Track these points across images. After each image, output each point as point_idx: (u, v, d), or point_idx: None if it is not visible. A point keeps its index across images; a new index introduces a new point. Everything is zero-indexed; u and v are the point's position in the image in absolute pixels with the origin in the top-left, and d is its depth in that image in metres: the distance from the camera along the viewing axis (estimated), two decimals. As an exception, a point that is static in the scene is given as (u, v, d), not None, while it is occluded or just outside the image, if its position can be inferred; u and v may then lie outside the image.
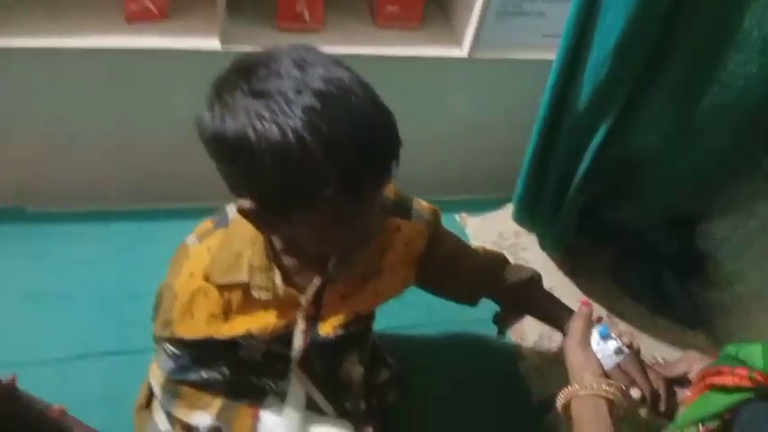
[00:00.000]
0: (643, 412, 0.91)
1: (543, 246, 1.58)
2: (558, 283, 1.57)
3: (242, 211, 0.77)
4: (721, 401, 0.59)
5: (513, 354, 1.49)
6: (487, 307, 1.22)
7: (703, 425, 0.64)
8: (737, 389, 0.57)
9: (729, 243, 1.44)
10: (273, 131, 0.66)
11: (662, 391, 0.91)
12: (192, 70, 1.28)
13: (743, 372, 0.56)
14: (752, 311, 1.39)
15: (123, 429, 1.21)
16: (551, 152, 1.28)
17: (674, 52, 1.02)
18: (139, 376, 1.24)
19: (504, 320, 1.22)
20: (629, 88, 1.09)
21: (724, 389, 0.60)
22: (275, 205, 0.74)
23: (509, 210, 1.75)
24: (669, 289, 1.51)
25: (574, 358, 0.91)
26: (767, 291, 1.38)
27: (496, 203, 1.82)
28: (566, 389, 0.88)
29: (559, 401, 0.88)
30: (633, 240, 1.53)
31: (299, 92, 0.67)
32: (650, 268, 1.54)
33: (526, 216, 1.52)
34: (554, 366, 1.45)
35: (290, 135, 0.66)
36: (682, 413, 0.74)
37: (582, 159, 1.21)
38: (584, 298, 1.54)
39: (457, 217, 1.78)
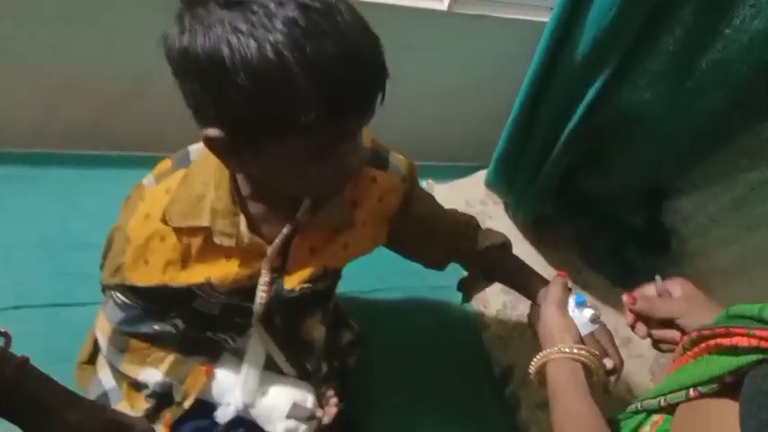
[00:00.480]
0: (610, 383, 0.90)
1: (515, 213, 1.55)
2: (523, 252, 1.51)
3: (208, 142, 0.68)
4: (727, 363, 0.56)
5: (476, 322, 1.47)
6: (451, 274, 1.18)
7: (695, 389, 0.60)
8: (750, 350, 0.54)
9: (696, 220, 1.44)
10: (251, 46, 0.58)
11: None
12: (152, 15, 1.18)
13: (763, 333, 0.53)
14: (714, 288, 1.38)
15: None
16: (539, 109, 1.24)
17: (682, 3, 0.98)
18: (81, 331, 1.16)
19: (470, 287, 1.17)
20: (631, 40, 1.05)
21: (733, 350, 0.56)
22: (247, 134, 0.66)
23: (477, 178, 1.72)
24: (632, 262, 1.50)
25: (552, 322, 0.88)
26: (730, 268, 1.38)
27: (465, 171, 1.78)
28: (543, 351, 0.84)
29: (534, 364, 0.85)
30: (602, 213, 1.51)
31: (280, 3, 0.59)
32: (615, 241, 1.53)
33: (503, 180, 1.48)
34: (516, 336, 1.43)
35: (269, 51, 0.58)
36: (668, 376, 0.71)
37: (570, 118, 1.18)
38: (556, 269, 1.53)
39: (424, 183, 1.74)
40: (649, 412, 0.72)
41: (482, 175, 1.69)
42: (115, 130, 1.56)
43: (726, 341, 0.58)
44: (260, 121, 0.63)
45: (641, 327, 0.86)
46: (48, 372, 1.14)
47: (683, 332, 0.81)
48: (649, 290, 0.90)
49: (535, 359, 0.86)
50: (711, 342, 0.61)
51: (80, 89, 1.45)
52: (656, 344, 0.86)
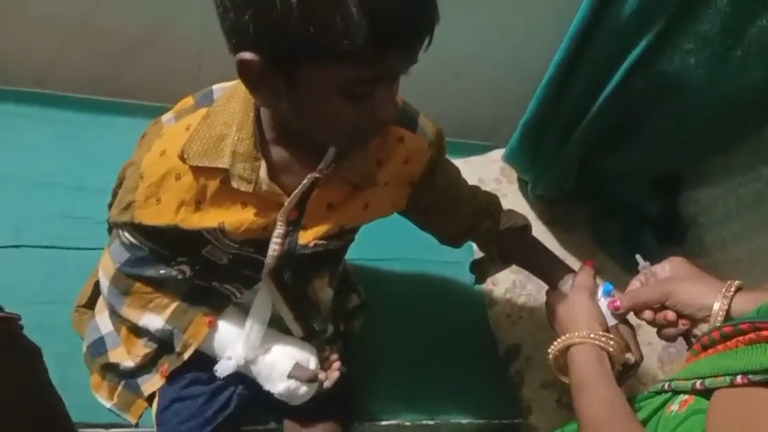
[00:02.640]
0: (626, 378, 0.88)
1: (533, 189, 1.51)
2: (536, 233, 1.48)
3: (241, 67, 0.64)
4: None
5: (483, 299, 1.44)
6: (464, 250, 1.15)
7: (744, 376, 0.58)
8: None
9: (715, 210, 1.41)
10: None
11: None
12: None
13: None
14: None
15: (59, 328, 1.11)
16: (576, 71, 1.19)
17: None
18: (80, 275, 1.14)
19: (484, 268, 1.14)
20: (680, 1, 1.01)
21: None
22: (285, 58, 0.62)
23: (492, 156, 1.68)
24: (646, 250, 1.47)
25: (581, 308, 0.85)
26: (746, 262, 1.35)
27: (479, 149, 1.74)
28: (567, 335, 0.82)
29: (556, 346, 0.82)
30: (618, 197, 1.48)
31: None
32: (630, 228, 1.49)
33: (526, 150, 1.43)
34: (525, 315, 1.40)
35: None
36: (704, 359, 0.68)
37: (606, 84, 1.14)
38: (569, 251, 1.51)
39: (436, 156, 1.70)
40: (677, 393, 0.69)
41: (497, 153, 1.65)
42: (125, 77, 1.51)
43: None
44: (301, 43, 0.59)
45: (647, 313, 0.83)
46: (45, 313, 1.12)
47: (680, 314, 0.78)
48: (634, 282, 0.88)
49: (557, 341, 0.83)
50: (764, 332, 0.58)
51: (94, 31, 1.40)
52: (660, 332, 0.83)
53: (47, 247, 1.22)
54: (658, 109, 1.20)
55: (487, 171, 1.66)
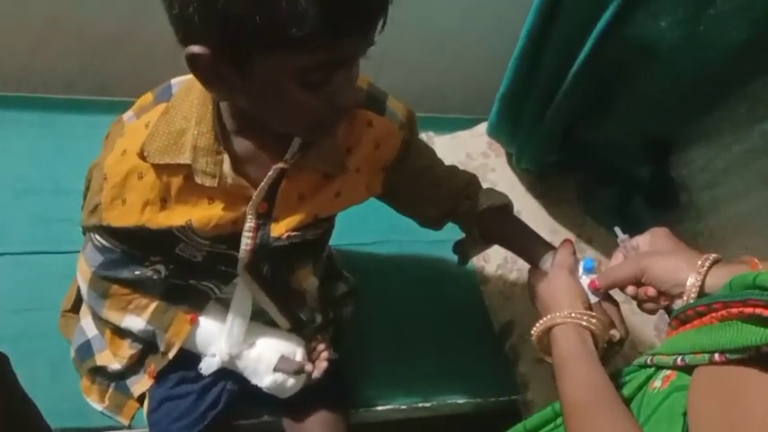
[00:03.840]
0: (610, 355, 0.86)
1: (519, 162, 1.49)
2: (526, 206, 1.50)
3: (191, 62, 0.62)
4: (763, 334, 0.52)
5: (476, 277, 1.43)
6: (453, 228, 1.12)
7: (722, 354, 0.56)
8: None
9: (706, 172, 1.39)
10: None
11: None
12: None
13: None
14: (724, 243, 1.34)
15: (44, 335, 1.11)
16: (546, 42, 1.17)
17: None
18: (65, 279, 1.13)
19: (466, 250, 1.11)
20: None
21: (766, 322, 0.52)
22: (234, 49, 0.60)
23: (479, 130, 1.66)
24: (638, 217, 1.45)
25: (562, 286, 0.83)
26: (741, 222, 1.33)
27: (466, 123, 1.71)
28: (549, 315, 0.80)
29: (539, 327, 0.81)
30: (606, 165, 1.45)
31: None
32: (621, 195, 1.47)
33: (506, 123, 1.40)
34: (518, 291, 1.39)
35: None
36: (683, 334, 0.66)
37: (579, 53, 1.11)
38: (560, 223, 1.49)
39: (424, 135, 1.67)
40: (659, 368, 0.68)
41: (484, 127, 1.62)
42: (103, 73, 1.49)
43: (748, 310, 0.54)
44: (249, 33, 0.57)
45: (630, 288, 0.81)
46: (33, 321, 1.12)
47: (658, 290, 0.77)
48: (617, 256, 0.86)
49: (539, 322, 0.81)
50: (734, 310, 0.57)
51: (65, 29, 1.38)
52: (641, 306, 0.81)
53: (30, 253, 1.21)
54: (636, 74, 1.17)
55: (475, 145, 1.63)
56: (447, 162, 1.03)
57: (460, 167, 1.06)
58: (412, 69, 1.61)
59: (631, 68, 1.16)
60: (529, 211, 1.49)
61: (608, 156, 1.42)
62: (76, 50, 1.43)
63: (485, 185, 1.06)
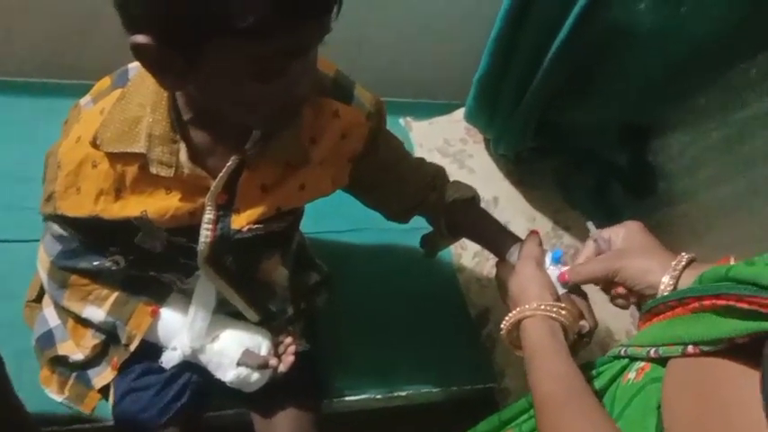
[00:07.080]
0: (580, 346, 0.85)
1: (496, 147, 1.47)
2: (503, 192, 1.48)
3: (136, 51, 0.59)
4: (740, 327, 0.50)
5: (453, 264, 1.41)
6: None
7: (695, 346, 0.55)
8: (752, 313, 0.49)
9: (684, 159, 1.37)
10: None
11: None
12: None
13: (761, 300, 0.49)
14: (699, 230, 1.33)
15: (14, 325, 1.08)
16: (523, 25, 1.14)
17: None
18: (31, 269, 1.10)
19: (434, 242, 1.10)
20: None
21: (740, 313, 0.51)
22: (180, 39, 0.57)
23: (457, 115, 1.64)
24: (616, 203, 1.43)
25: (529, 278, 0.81)
26: (718, 209, 1.32)
27: (443, 109, 1.69)
28: (518, 308, 0.78)
29: (508, 321, 0.79)
30: (584, 150, 1.44)
31: None
32: (598, 181, 1.46)
33: (483, 107, 1.38)
34: (493, 279, 1.37)
35: None
36: (656, 325, 0.65)
37: (556, 36, 1.09)
38: (537, 209, 1.47)
39: (401, 120, 1.65)
40: (633, 359, 0.67)
41: (462, 113, 1.60)
42: (75, 57, 1.45)
43: (721, 302, 0.53)
44: (193, 21, 0.54)
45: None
46: (-4, 310, 1.09)
47: (629, 290, 0.76)
48: (587, 248, 0.84)
49: (508, 316, 0.80)
50: (707, 302, 0.56)
51: (38, 11, 1.35)
52: (612, 300, 0.80)
53: (-5, 241, 1.18)
54: (614, 57, 1.16)
55: (453, 131, 1.61)
56: (425, 148, 1.01)
57: (438, 153, 1.05)
58: (390, 54, 1.59)
59: (610, 52, 1.15)
60: (507, 197, 1.48)
61: (585, 141, 1.41)
62: (48, 34, 1.40)
63: (462, 171, 1.05)
